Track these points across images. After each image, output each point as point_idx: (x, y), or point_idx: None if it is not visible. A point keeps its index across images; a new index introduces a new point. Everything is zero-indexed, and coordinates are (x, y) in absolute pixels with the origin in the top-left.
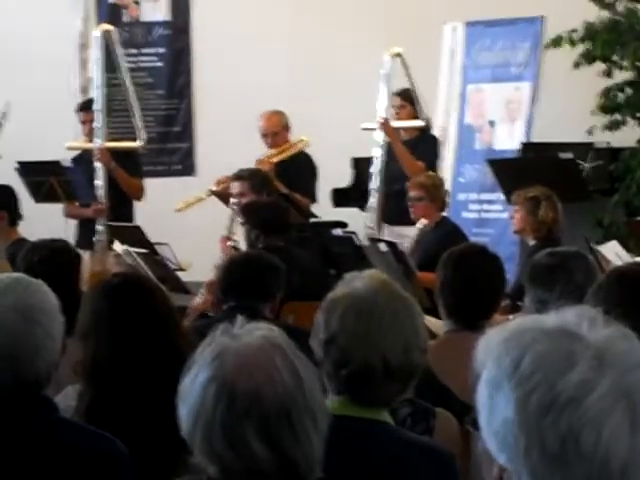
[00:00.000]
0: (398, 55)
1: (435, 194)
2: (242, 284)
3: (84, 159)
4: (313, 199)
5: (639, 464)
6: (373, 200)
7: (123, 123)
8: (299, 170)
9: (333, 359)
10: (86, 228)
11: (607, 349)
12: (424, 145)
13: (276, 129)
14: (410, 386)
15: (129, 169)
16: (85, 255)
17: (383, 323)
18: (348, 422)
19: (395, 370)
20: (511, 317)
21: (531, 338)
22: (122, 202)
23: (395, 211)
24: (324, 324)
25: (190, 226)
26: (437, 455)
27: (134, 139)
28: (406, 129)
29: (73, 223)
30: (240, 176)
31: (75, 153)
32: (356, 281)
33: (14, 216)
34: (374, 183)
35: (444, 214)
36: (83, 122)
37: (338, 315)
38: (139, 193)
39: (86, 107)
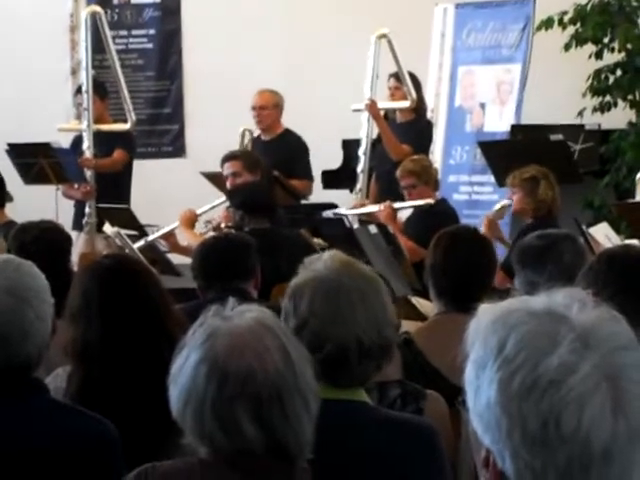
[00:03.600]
0: (384, 36)
1: (427, 176)
2: (222, 267)
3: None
4: (311, 178)
5: (621, 447)
6: (360, 182)
7: (115, 104)
8: (292, 151)
9: (306, 344)
10: (81, 210)
11: (592, 331)
12: (418, 129)
13: (264, 104)
14: (384, 363)
15: (117, 140)
16: (80, 236)
17: (352, 303)
18: (326, 405)
19: (369, 348)
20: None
21: (517, 319)
22: (117, 184)
23: (385, 192)
24: (292, 310)
25: (180, 208)
26: (417, 429)
27: (124, 120)
28: (402, 112)
29: (64, 205)
30: (233, 156)
31: (69, 135)
32: (317, 264)
33: (1, 198)
34: (361, 165)
35: (442, 197)
36: (81, 104)
37: (306, 300)
38: (117, 166)
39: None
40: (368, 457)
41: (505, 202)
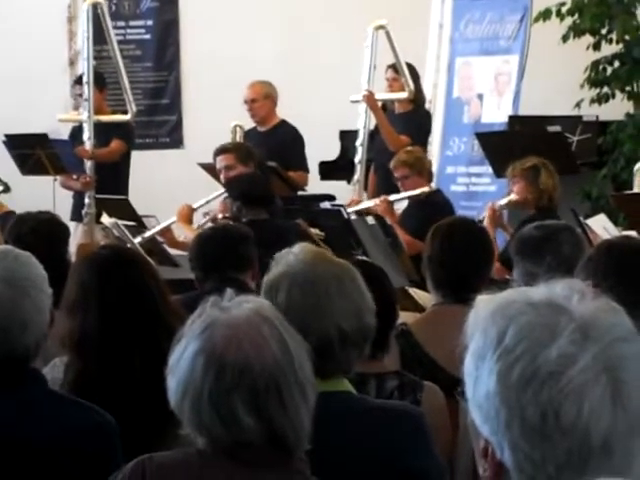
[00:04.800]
0: (381, 28)
1: (420, 167)
2: (220, 258)
3: (82, 132)
4: (306, 169)
5: (620, 438)
6: (358, 173)
7: (112, 95)
8: (287, 143)
9: None
10: (80, 201)
11: (592, 322)
12: (416, 119)
13: (254, 96)
14: (365, 349)
15: (115, 131)
16: (79, 227)
17: (329, 293)
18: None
19: (351, 337)
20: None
21: (517, 310)
22: (115, 175)
23: (384, 183)
24: None
25: (178, 199)
26: (401, 415)
27: (124, 111)
28: (400, 103)
29: (61, 196)
30: (225, 149)
31: (67, 126)
32: (289, 257)
33: None
34: (358, 156)
35: (437, 188)
36: (80, 95)
37: (283, 295)
38: (114, 156)
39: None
40: (354, 447)
41: (512, 197)
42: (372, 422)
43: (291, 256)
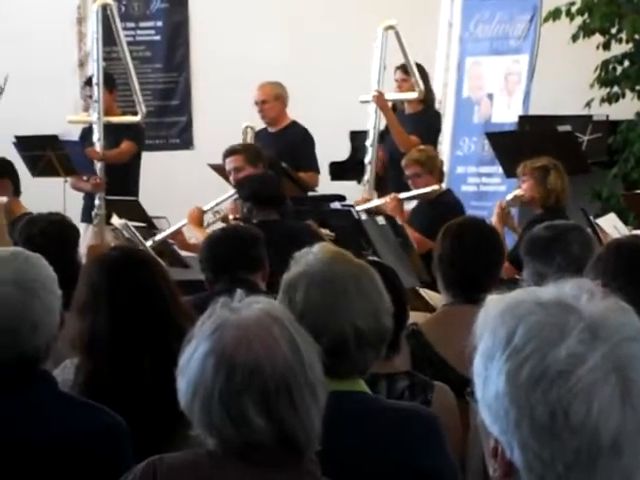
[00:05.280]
0: (391, 28)
1: (431, 166)
2: (230, 260)
3: (92, 133)
4: (317, 170)
5: (629, 437)
6: (368, 173)
7: (122, 96)
8: (298, 143)
9: None
10: (90, 202)
11: (601, 322)
12: (426, 120)
13: (265, 98)
14: (382, 350)
15: (125, 132)
16: (89, 229)
17: (347, 292)
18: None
19: (367, 337)
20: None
21: (526, 310)
22: (125, 176)
23: (394, 182)
24: (287, 304)
25: (188, 200)
26: (416, 416)
27: (134, 112)
28: (410, 103)
29: (71, 197)
30: (234, 150)
31: (78, 128)
32: (308, 257)
33: (17, 186)
34: (368, 156)
35: (447, 188)
36: (89, 96)
37: (302, 293)
38: (124, 157)
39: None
40: (369, 447)
41: (518, 192)
42: (386, 423)
43: (310, 255)
